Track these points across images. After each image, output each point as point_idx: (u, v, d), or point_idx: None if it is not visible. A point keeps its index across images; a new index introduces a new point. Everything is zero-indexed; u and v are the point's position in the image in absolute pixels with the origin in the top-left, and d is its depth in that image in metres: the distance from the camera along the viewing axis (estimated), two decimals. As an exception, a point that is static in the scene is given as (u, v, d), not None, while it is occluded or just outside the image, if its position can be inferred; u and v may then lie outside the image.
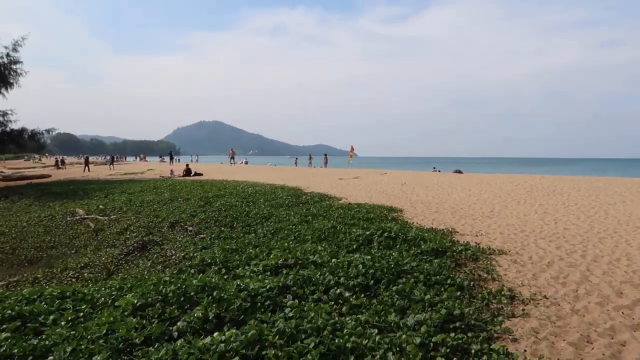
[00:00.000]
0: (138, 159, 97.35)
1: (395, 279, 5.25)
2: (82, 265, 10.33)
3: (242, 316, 3.99)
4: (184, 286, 4.76)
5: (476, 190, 17.72)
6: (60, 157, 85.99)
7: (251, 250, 7.68)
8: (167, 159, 61.80)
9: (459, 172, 29.11)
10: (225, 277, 5.76)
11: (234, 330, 3.49)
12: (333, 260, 5.82)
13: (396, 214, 12.46)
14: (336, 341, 3.30)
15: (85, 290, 5.43)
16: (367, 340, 3.36)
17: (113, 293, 5.15)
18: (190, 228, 12.71)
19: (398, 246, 7.18)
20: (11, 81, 29.04)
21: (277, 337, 3.35)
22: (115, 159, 54.93)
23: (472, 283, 5.43)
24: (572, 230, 9.88)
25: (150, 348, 3.27)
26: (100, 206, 17.68)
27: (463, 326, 3.90)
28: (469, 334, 3.71)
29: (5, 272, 11.27)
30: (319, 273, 5.19)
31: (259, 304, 4.29)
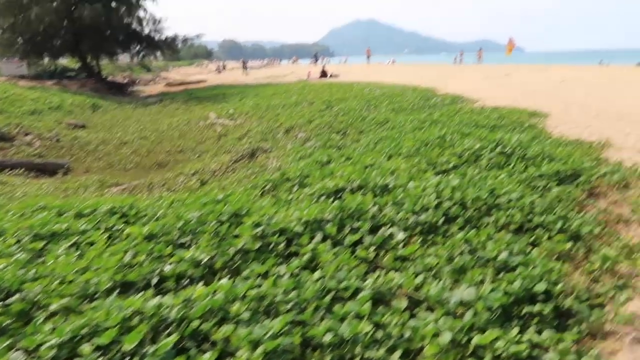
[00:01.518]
0: (291, 61, 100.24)
1: (478, 217, 3.83)
2: (193, 172, 10.48)
3: (240, 263, 3.11)
4: (211, 213, 4.03)
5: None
6: (222, 62, 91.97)
7: (332, 164, 6.67)
8: (318, 61, 62.06)
9: (644, 65, 23.37)
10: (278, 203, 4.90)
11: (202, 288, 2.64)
12: (410, 184, 4.52)
13: (538, 119, 10.18)
14: (315, 329, 2.24)
15: (140, 205, 5.06)
16: (367, 330, 2.22)
17: (160, 211, 4.68)
18: (301, 135, 12.10)
19: (512, 165, 5.50)
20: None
21: (243, 305, 2.41)
22: (246, 64, 55.35)
23: (600, 229, 3.74)
24: None
25: (94, 303, 2.59)
26: (231, 110, 18.07)
27: (544, 313, 2.47)
28: (548, 331, 2.30)
29: (138, 175, 12.12)
30: (374, 203, 4.00)
31: (271, 247, 3.36)
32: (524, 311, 2.47)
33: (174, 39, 31.29)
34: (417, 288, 2.75)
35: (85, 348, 2.14)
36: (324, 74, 29.68)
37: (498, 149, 5.90)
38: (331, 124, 12.57)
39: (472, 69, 29.92)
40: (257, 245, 3.32)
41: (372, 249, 3.36)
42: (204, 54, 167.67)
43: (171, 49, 32.28)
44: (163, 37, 30.67)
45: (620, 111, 10.76)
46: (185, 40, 31.89)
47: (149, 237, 3.71)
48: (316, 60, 50.46)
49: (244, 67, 53.71)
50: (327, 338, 2.19)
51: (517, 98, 14.33)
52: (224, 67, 70.96)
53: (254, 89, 24.78)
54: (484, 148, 6.10)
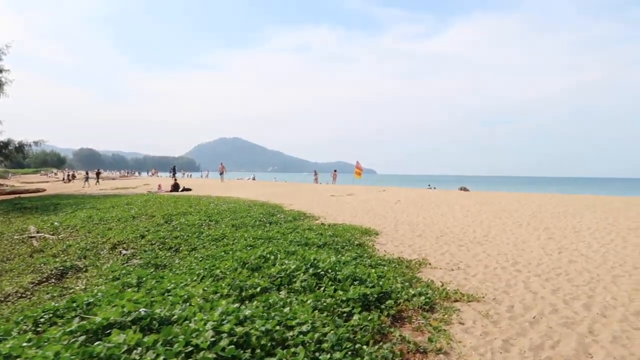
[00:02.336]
0: (150, 173, 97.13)
1: (260, 358, 3.22)
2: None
3: None
4: None
5: (475, 210, 15.48)
6: (72, 171, 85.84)
7: (133, 289, 5.71)
8: (178, 173, 60.79)
9: (465, 189, 26.72)
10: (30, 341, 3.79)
11: None
12: (196, 315, 3.82)
13: (369, 237, 10.42)
14: None
15: None
16: None
17: None
18: (126, 252, 10.83)
19: (323, 288, 5.14)
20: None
21: None
22: (99, 174, 52.46)
23: (393, 362, 3.36)
24: (579, 263, 7.68)
25: None
26: (55, 223, 15.98)
27: None
28: None
29: None
30: (137, 343, 3.20)
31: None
32: None
33: (6, 144, 28.08)
34: None
35: None
36: (175, 187, 28.64)
37: (311, 271, 5.55)
38: (164, 240, 11.56)
39: (325, 187, 31.44)
40: None
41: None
42: (55, 162, 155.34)
43: (2, 155, 28.76)
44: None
45: (441, 230, 11.59)
46: (20, 147, 28.77)
47: None
48: (174, 173, 49.24)
49: (97, 177, 50.45)
50: None
51: (357, 215, 14.93)
52: (73, 177, 65.97)
53: (94, 200, 22.69)
54: (299, 269, 5.72)
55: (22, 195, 32.61)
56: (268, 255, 6.90)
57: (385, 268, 6.73)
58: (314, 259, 5.98)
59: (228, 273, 6.02)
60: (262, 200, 20.38)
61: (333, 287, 5.11)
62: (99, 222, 15.56)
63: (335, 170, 43.57)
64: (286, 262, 6.27)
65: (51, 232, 14.78)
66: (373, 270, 5.97)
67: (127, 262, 9.95)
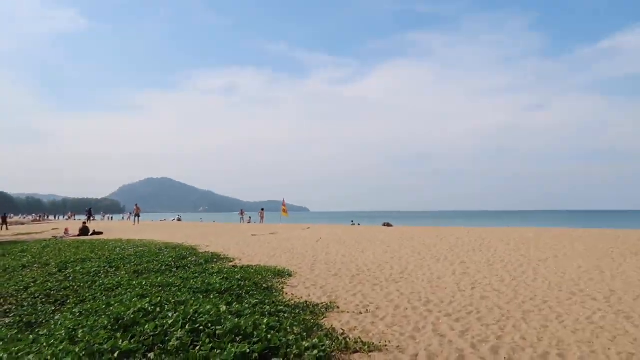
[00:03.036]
0: (66, 217, 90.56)
1: None
2: None
3: None
4: None
5: (396, 246, 15.26)
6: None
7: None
8: (98, 216, 56.94)
9: (388, 225, 26.85)
10: None
11: None
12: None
13: (281, 279, 9.69)
14: None
15: None
16: None
17: None
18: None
19: (199, 346, 4.34)
20: None
21: None
22: (5, 218, 46.69)
23: None
24: (490, 299, 7.40)
25: None
26: None
27: None
28: None
29: None
30: None
31: None
32: None
33: None
34: None
35: None
36: (84, 230, 26.37)
37: (188, 326, 4.73)
38: (51, 292, 10.15)
39: (249, 227, 30.38)
40: None
41: None
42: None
43: None
44: None
45: (358, 267, 11.10)
46: None
47: None
48: (89, 216, 45.96)
49: (2, 221, 45.85)
50: None
51: (276, 255, 14.17)
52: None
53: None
54: (177, 324, 4.88)
55: None
56: (151, 308, 5.98)
57: (285, 315, 6.03)
58: (194, 311, 5.16)
59: (96, 332, 5.04)
60: (177, 242, 19.07)
61: (211, 344, 4.33)
62: (-20, 273, 13.62)
63: (262, 209, 42.50)
64: (169, 314, 5.41)
65: None
66: (266, 321, 5.23)
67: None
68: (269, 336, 4.63)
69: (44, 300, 9.79)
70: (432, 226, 27.34)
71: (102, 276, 11.30)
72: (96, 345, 4.39)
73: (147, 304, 6.12)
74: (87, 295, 9.47)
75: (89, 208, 49.89)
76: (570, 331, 5.50)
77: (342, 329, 5.62)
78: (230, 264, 12.45)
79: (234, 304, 6.36)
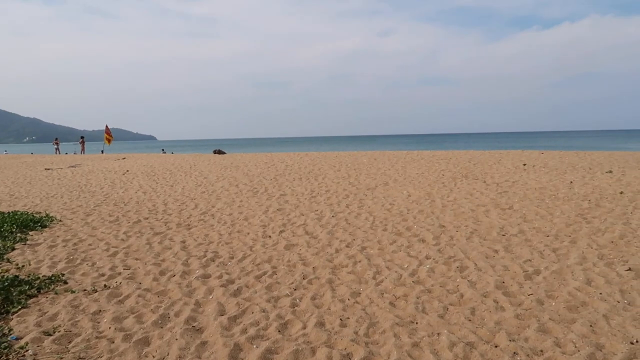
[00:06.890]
0: None
1: None
2: None
3: None
4: None
5: (213, 177, 12.97)
6: None
7: None
8: None
9: (220, 152, 24.23)
10: None
11: None
12: None
13: (27, 234, 6.74)
14: None
15: None
16: None
17: None
18: None
19: None
20: None
21: None
22: None
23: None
24: (297, 249, 5.59)
25: None
26: None
27: None
28: None
29: None
30: None
31: None
32: None
33: None
34: None
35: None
36: None
37: None
38: None
39: (54, 159, 25.14)
40: None
41: None
42: None
43: None
44: None
45: (154, 207, 8.61)
46: None
47: None
48: None
49: None
50: None
51: (57, 194, 10.88)
52: None
53: None
54: None
55: None
56: None
57: None
58: None
59: None
60: None
61: None
62: None
63: (82, 137, 36.29)
64: None
65: None
66: None
67: None
68: None
69: None
70: (273, 152, 25.59)
71: None
72: None
73: None
74: None
75: None
76: (388, 302, 3.83)
77: (29, 340, 3.18)
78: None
79: None
